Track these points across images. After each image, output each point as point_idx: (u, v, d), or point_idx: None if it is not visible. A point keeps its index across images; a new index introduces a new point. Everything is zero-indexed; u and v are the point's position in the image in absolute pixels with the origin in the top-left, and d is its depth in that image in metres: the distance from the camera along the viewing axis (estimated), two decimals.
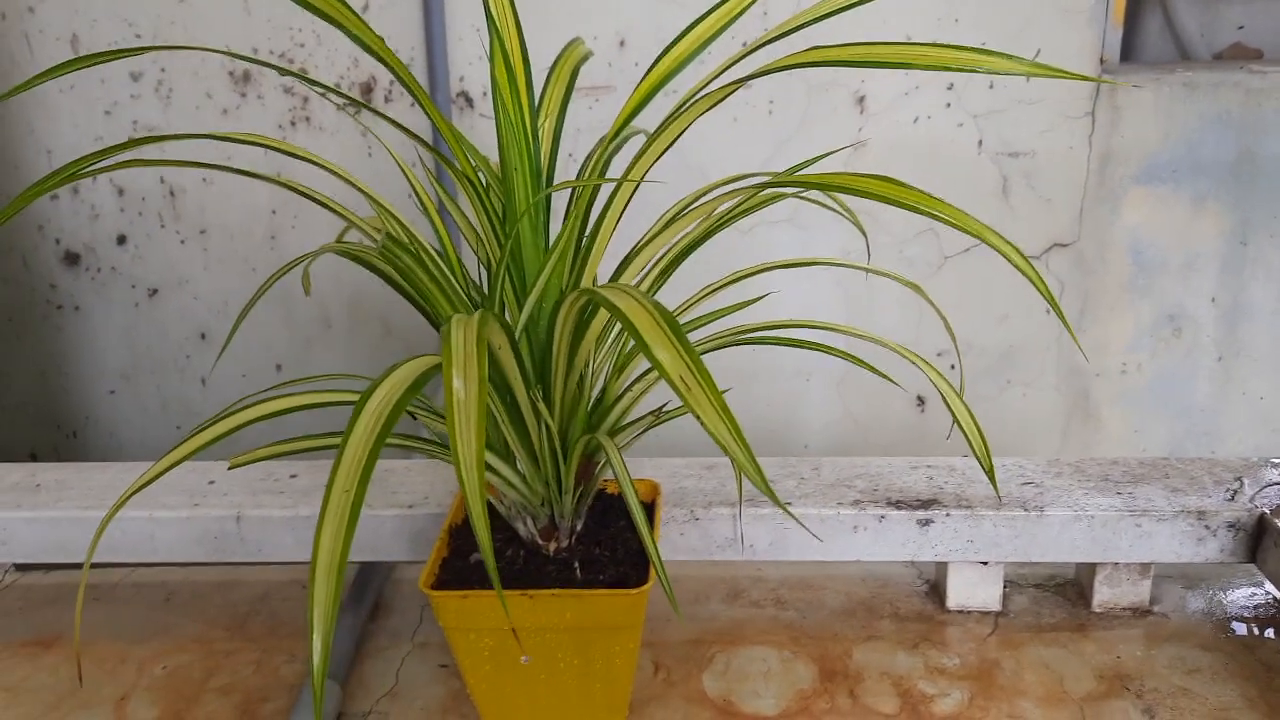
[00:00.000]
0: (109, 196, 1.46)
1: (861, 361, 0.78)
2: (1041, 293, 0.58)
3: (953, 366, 1.44)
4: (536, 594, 0.74)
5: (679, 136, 0.70)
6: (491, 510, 0.83)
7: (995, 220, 1.42)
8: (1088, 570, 0.93)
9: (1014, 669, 0.86)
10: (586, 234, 0.73)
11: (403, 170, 0.79)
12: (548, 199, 0.73)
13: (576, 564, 0.79)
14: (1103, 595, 0.92)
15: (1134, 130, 1.39)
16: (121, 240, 1.48)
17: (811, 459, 0.95)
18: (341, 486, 0.49)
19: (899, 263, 1.43)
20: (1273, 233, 1.43)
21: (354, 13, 0.62)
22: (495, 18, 0.69)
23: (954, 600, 0.93)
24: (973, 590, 0.92)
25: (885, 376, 0.78)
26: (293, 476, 0.96)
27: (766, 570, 1.00)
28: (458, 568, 0.80)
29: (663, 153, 0.70)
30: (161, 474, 0.62)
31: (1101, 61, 1.37)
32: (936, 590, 0.96)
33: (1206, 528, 0.86)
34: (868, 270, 0.79)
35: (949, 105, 1.38)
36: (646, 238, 0.74)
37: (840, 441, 1.54)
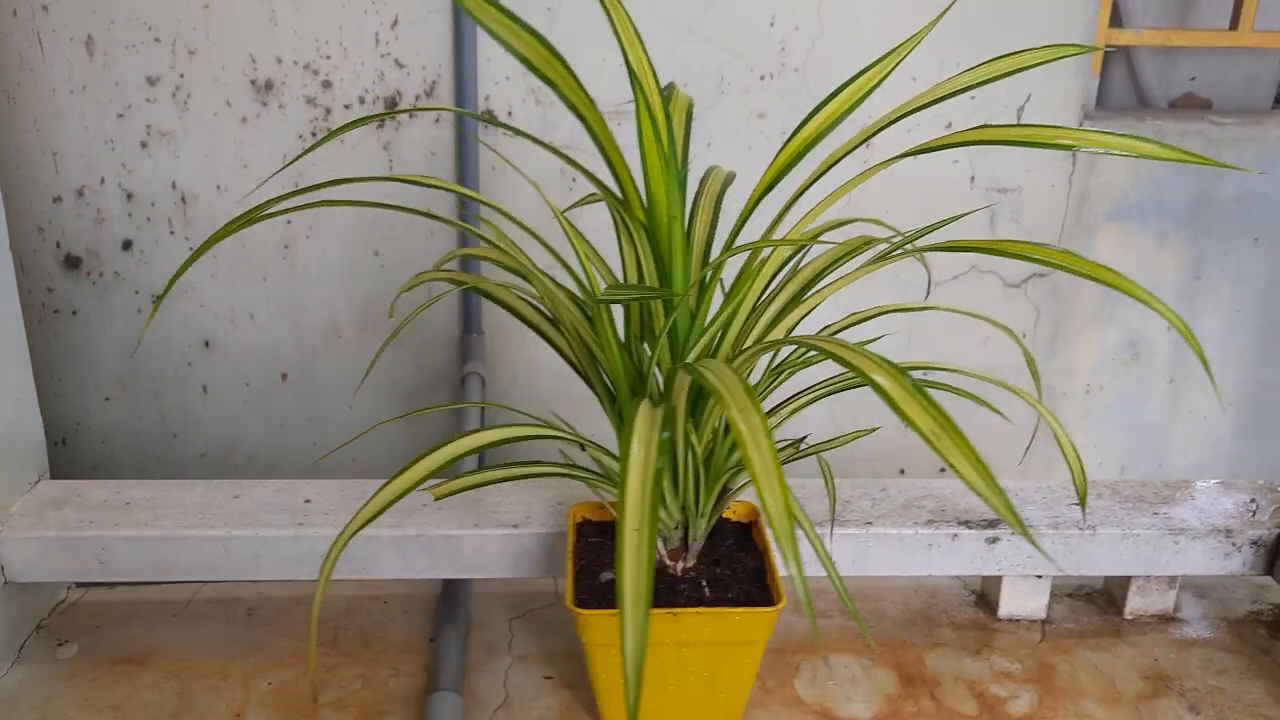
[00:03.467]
0: (117, 200, 1.43)
1: (986, 402, 0.86)
2: (1190, 343, 0.66)
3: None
4: (680, 612, 0.80)
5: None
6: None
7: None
8: (1119, 581, 1.03)
9: (1069, 672, 0.96)
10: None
11: (552, 210, 0.82)
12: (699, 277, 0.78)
13: (704, 583, 0.84)
14: (1134, 604, 1.02)
15: (1109, 172, 1.52)
16: (127, 245, 1.45)
17: (878, 480, 1.03)
18: (631, 525, 0.54)
19: (897, 288, 1.52)
20: (1223, 267, 1.58)
21: (572, 76, 0.66)
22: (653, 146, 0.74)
23: (1005, 610, 1.02)
24: (1023, 601, 1.02)
25: (1002, 414, 0.86)
26: None
27: (826, 583, 1.07)
28: (589, 586, 0.85)
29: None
30: (391, 504, 0.65)
31: (1082, 108, 1.49)
32: (985, 600, 1.05)
33: (1233, 544, 0.97)
34: (972, 315, 0.87)
35: None
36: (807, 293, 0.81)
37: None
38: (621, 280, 0.82)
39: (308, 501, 0.97)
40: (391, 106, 1.39)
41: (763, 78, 1.44)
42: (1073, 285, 1.59)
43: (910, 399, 0.57)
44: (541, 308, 0.85)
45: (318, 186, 0.76)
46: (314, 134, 1.40)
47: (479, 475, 0.77)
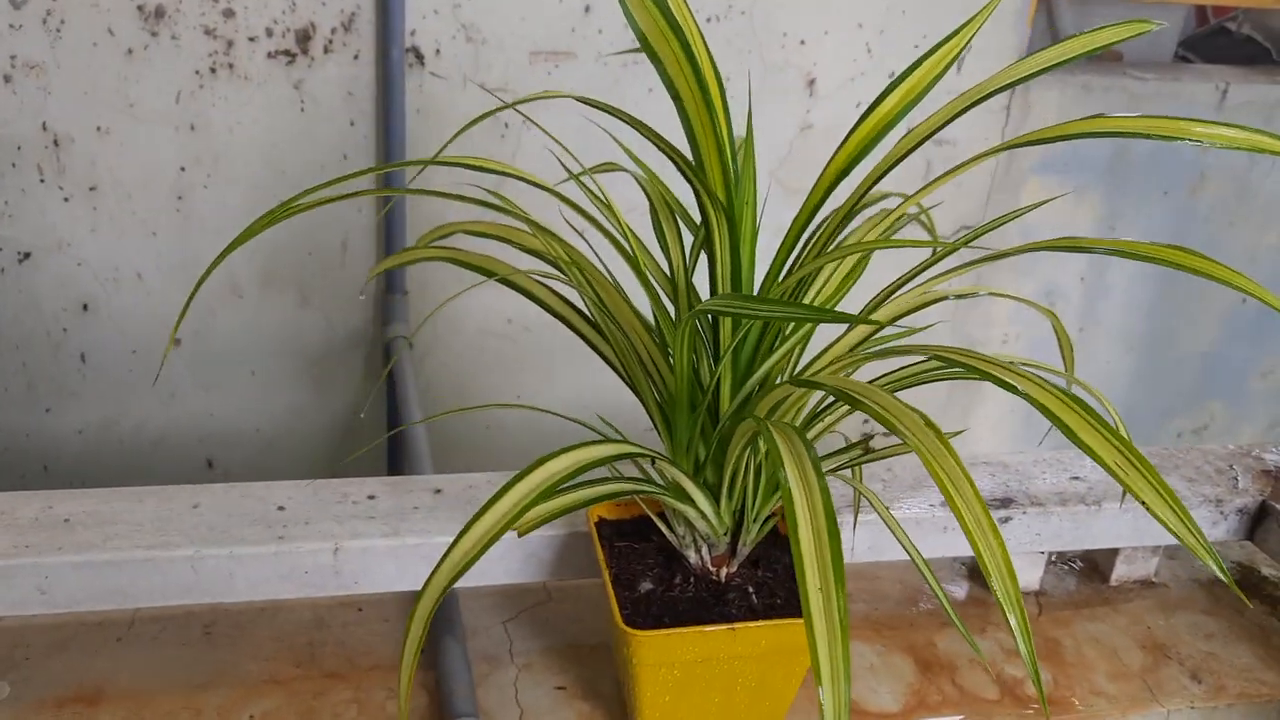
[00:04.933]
0: None
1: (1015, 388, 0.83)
2: None
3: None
4: (739, 628, 0.75)
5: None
6: (649, 545, 0.82)
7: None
8: (1106, 550, 1.04)
9: (1074, 647, 0.96)
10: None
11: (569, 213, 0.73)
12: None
13: (750, 589, 0.79)
14: (1120, 571, 1.04)
15: (1038, 125, 1.52)
16: None
17: (883, 464, 1.00)
18: (814, 585, 0.48)
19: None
20: (1134, 221, 1.63)
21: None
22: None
23: None
24: (1020, 574, 1.01)
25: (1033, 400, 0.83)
26: (371, 498, 0.88)
27: None
28: (629, 600, 0.78)
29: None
30: (480, 554, 0.56)
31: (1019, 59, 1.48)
32: (978, 574, 1.04)
33: (1221, 513, 0.99)
34: (1019, 299, 0.84)
35: None
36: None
37: None
38: (668, 274, 0.74)
39: (281, 509, 0.86)
40: (304, 40, 1.24)
41: (709, 20, 1.36)
42: (997, 236, 1.60)
43: (1091, 430, 0.52)
44: (583, 307, 0.77)
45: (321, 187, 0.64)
46: (213, 69, 1.24)
47: (565, 500, 0.67)
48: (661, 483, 0.74)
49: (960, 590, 1.03)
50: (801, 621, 0.75)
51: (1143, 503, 0.51)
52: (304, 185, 1.33)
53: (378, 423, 1.46)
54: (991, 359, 0.57)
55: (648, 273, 0.74)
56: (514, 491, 0.59)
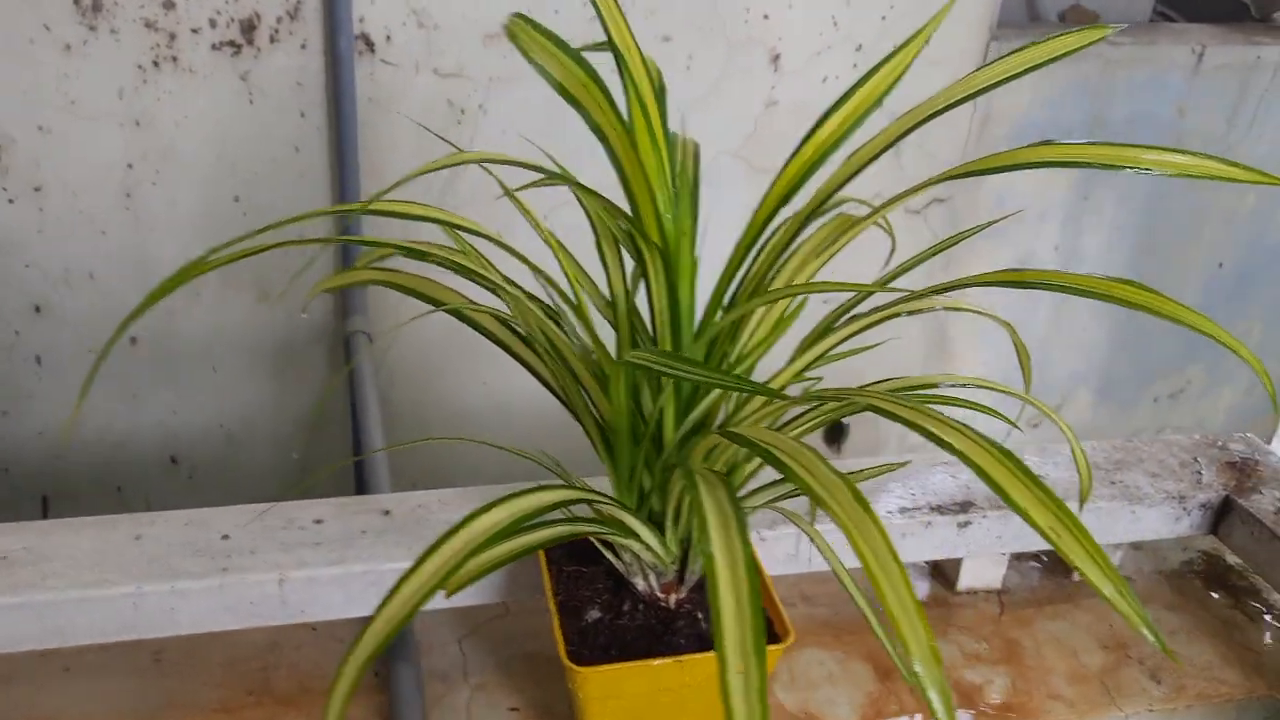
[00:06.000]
0: None
1: (997, 413, 0.81)
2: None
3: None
4: (687, 660, 0.74)
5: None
6: (598, 569, 0.80)
7: (886, 176, 1.48)
8: None
9: (1034, 648, 0.96)
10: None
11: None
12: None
13: (700, 615, 0.78)
14: None
15: (1011, 93, 1.49)
16: None
17: (840, 461, 0.98)
18: (734, 668, 0.46)
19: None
20: (1110, 187, 1.60)
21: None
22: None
23: (964, 583, 1.01)
24: (982, 572, 1.01)
25: (1013, 423, 0.82)
26: (317, 522, 0.87)
27: (786, 571, 1.03)
28: (576, 629, 0.77)
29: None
30: (405, 621, 0.55)
31: (989, 28, 1.44)
32: (940, 571, 1.03)
33: (1184, 509, 0.98)
34: (984, 314, 0.82)
35: (855, 66, 1.40)
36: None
37: None
38: (609, 298, 0.72)
39: (225, 538, 0.84)
40: (249, 30, 1.20)
41: None
42: (970, 207, 1.57)
43: (1023, 489, 0.51)
44: (516, 327, 0.74)
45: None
46: (155, 63, 1.20)
47: (499, 552, 0.65)
48: (602, 519, 0.73)
49: (921, 589, 1.02)
50: None
51: (1076, 568, 0.49)
52: (256, 179, 1.30)
53: (341, 415, 1.44)
54: (929, 413, 0.55)
55: (585, 299, 0.72)
56: (438, 555, 0.57)
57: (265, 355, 1.39)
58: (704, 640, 0.76)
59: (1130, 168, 0.60)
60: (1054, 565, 1.06)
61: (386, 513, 0.88)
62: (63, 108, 1.21)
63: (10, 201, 1.24)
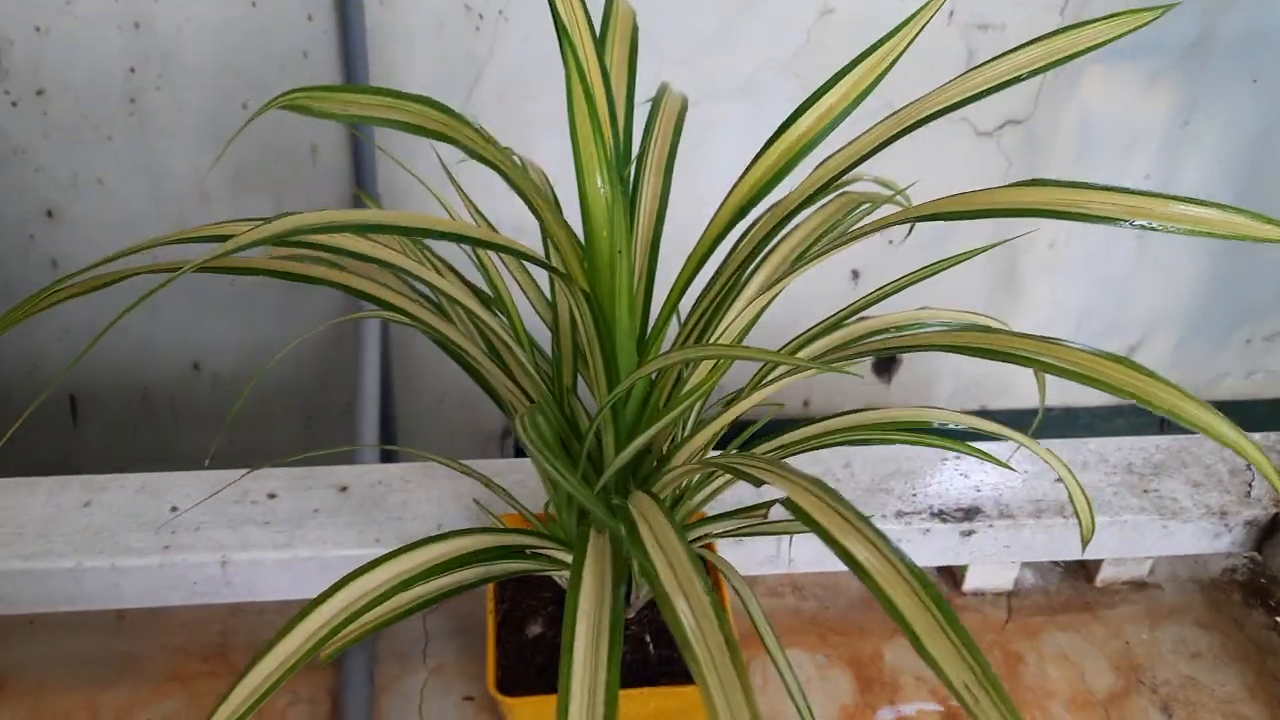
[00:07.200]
0: None
1: (989, 455, 0.72)
2: None
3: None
4: (624, 693, 0.69)
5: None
6: (546, 577, 0.75)
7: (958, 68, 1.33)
8: None
9: (1037, 663, 0.89)
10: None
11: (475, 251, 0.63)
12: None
13: (647, 637, 0.73)
14: (1107, 573, 0.95)
15: (1105, 4, 1.31)
16: None
17: (840, 452, 0.91)
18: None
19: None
20: (1212, 114, 1.42)
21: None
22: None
23: (971, 584, 0.94)
24: (991, 576, 0.93)
25: (1006, 465, 0.73)
26: (271, 496, 0.83)
27: (775, 562, 0.97)
28: (514, 645, 0.73)
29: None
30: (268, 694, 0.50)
31: None
32: (949, 571, 0.96)
33: (1225, 526, 0.88)
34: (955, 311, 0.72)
35: None
36: None
37: None
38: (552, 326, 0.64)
39: (174, 510, 0.81)
40: None
41: None
42: (1049, 133, 1.42)
43: (940, 636, 0.43)
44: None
45: None
46: None
47: (364, 622, 0.60)
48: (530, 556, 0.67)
49: None
50: (689, 688, 0.70)
51: None
52: (262, 85, 1.23)
53: (349, 333, 1.40)
54: (850, 521, 0.47)
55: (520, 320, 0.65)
56: (311, 619, 0.53)
57: None
58: (649, 666, 0.71)
59: (1124, 220, 0.50)
60: (1077, 569, 0.97)
61: (344, 489, 0.84)
62: (59, 8, 1.14)
63: (14, 105, 1.20)
